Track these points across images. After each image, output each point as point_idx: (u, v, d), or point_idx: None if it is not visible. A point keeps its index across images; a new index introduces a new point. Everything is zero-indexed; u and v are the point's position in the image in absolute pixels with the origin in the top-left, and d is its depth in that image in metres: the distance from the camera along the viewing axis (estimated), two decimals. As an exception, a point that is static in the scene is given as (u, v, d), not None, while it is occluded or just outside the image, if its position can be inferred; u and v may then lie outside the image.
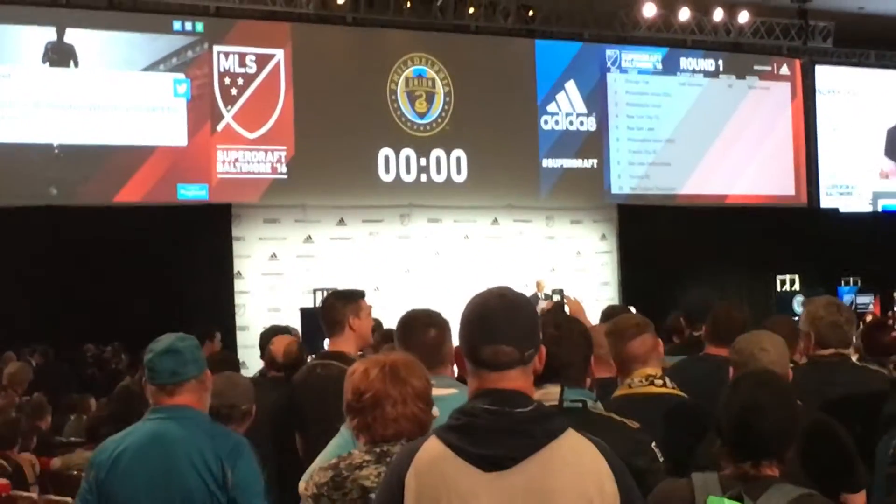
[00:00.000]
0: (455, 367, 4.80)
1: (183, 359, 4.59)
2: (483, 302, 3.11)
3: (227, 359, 8.78)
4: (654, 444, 4.29)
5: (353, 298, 6.27)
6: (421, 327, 4.99)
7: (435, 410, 3.89)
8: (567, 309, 7.57)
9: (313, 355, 6.92)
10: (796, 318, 6.38)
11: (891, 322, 11.79)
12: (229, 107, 21.34)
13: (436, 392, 3.99)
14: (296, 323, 17.30)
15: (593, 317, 7.45)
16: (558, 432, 3.02)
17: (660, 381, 5.14)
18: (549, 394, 4.09)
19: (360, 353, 6.14)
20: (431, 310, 5.16)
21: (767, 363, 4.67)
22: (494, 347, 3.04)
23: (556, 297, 19.75)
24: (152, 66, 20.71)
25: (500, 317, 3.07)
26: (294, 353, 6.88)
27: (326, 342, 6.54)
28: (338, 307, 6.21)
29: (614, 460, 3.07)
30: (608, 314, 7.21)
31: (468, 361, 3.10)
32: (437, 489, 3.01)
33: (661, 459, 4.27)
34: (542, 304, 19.44)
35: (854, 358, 6.37)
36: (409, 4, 23.42)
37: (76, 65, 20.14)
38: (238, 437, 4.72)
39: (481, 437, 2.99)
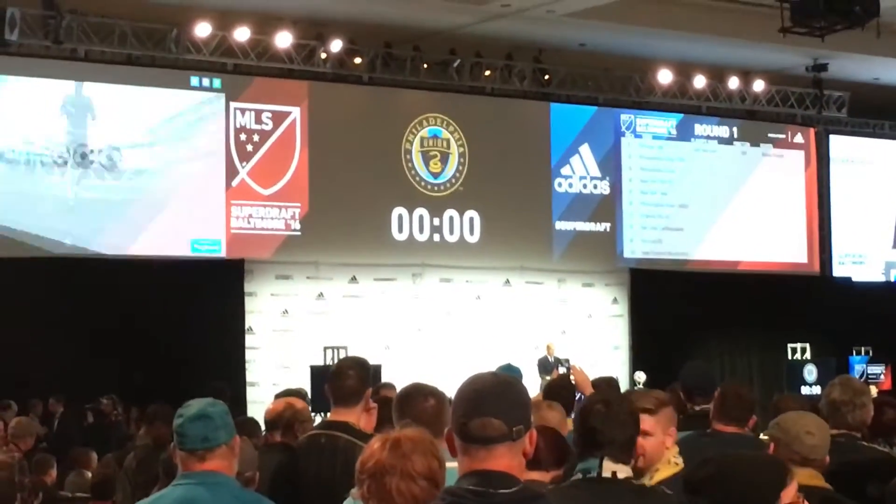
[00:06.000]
0: None
1: (213, 424, 4.51)
2: (475, 379, 3.19)
3: (246, 424, 8.76)
4: None
5: (370, 370, 5.91)
6: (420, 396, 4.97)
7: None
8: (573, 379, 7.58)
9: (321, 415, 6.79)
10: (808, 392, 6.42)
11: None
12: (244, 163, 21.43)
13: None
14: (305, 380, 17.33)
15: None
16: None
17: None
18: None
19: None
20: (432, 385, 5.10)
21: (811, 446, 4.77)
22: (483, 420, 3.08)
23: (563, 369, 19.70)
24: (169, 121, 20.83)
25: (490, 392, 3.13)
26: (284, 416, 6.84)
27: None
28: (357, 377, 5.78)
29: None
30: (595, 386, 7.19)
31: (457, 438, 3.14)
32: None
33: None
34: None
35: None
36: (425, 65, 23.56)
37: (93, 118, 20.26)
38: (269, 503, 4.70)
39: None
